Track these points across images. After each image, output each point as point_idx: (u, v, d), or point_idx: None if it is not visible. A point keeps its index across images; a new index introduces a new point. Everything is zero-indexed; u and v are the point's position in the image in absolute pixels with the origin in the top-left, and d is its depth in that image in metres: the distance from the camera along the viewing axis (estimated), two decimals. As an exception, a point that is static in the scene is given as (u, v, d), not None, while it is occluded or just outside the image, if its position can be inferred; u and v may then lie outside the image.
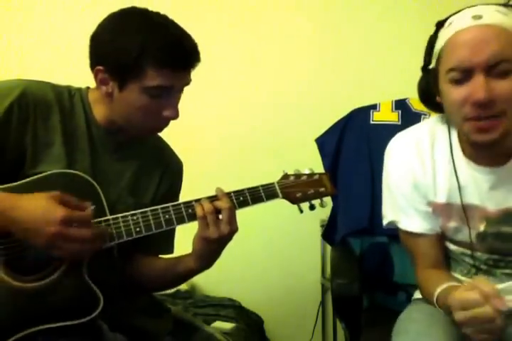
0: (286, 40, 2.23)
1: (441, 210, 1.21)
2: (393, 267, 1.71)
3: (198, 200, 1.16)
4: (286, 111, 2.24)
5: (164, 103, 1.15)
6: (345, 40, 2.20)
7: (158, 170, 1.30)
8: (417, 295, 1.34)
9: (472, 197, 1.17)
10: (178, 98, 1.19)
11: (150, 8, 1.17)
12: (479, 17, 1.02)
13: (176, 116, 1.17)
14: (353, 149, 1.81)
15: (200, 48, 1.17)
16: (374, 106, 1.84)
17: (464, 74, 1.02)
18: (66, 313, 1.08)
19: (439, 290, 1.13)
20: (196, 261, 1.20)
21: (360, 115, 1.85)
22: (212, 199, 1.16)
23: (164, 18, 1.15)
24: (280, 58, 2.23)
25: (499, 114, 1.02)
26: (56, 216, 1.01)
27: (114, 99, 1.15)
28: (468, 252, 1.22)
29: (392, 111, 1.81)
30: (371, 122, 1.83)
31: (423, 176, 1.20)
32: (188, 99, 2.21)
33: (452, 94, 1.04)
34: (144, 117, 1.16)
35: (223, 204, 1.15)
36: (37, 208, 1.02)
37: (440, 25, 1.10)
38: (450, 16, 1.10)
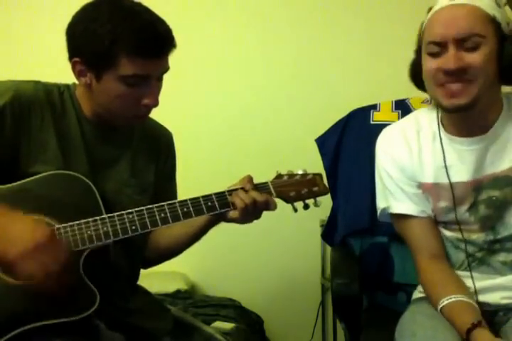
0: (286, 39, 2.23)
1: (430, 190, 1.26)
2: (393, 267, 1.71)
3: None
4: (286, 111, 2.24)
5: (142, 91, 1.14)
6: (346, 40, 2.20)
7: (153, 148, 1.32)
8: (417, 294, 1.34)
9: (459, 175, 1.23)
10: (158, 86, 1.18)
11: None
12: None
13: (155, 103, 1.17)
14: (353, 149, 1.81)
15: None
16: (374, 106, 1.84)
17: (439, 48, 1.14)
18: (62, 310, 1.08)
19: (445, 301, 1.16)
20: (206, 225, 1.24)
21: (360, 115, 1.85)
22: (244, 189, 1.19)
23: (137, 5, 1.15)
24: (280, 58, 2.23)
25: (469, 81, 1.13)
26: (45, 231, 1.02)
27: (93, 90, 1.16)
28: (460, 236, 1.24)
29: (392, 111, 1.81)
30: (371, 122, 1.83)
31: (409, 159, 1.27)
32: (188, 98, 2.23)
33: (428, 63, 1.17)
34: (123, 106, 1.16)
35: (258, 196, 1.18)
36: (26, 221, 1.03)
37: (429, 10, 1.22)
38: None
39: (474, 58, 1.12)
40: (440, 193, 1.25)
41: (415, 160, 1.27)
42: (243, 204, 1.16)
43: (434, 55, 1.15)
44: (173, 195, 1.37)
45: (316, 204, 1.27)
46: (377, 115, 1.82)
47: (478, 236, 1.23)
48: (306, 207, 1.26)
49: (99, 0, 1.15)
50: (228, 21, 2.24)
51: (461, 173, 1.22)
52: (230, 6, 2.23)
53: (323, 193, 1.27)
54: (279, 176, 1.26)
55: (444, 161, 1.23)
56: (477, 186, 1.22)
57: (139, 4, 1.15)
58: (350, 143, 1.84)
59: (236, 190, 1.19)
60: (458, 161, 1.23)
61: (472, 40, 1.11)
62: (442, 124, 1.26)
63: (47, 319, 1.07)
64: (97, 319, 1.15)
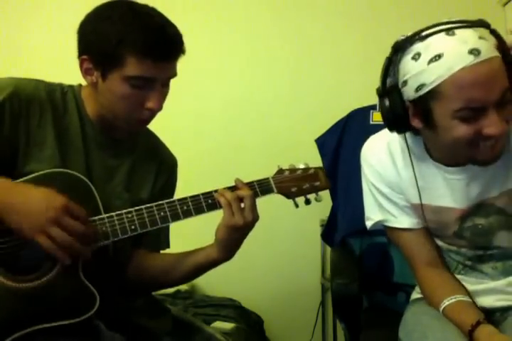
0: (286, 40, 2.23)
1: (418, 210, 1.22)
2: (393, 267, 1.71)
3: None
4: (286, 111, 2.24)
5: (146, 94, 1.13)
6: (346, 40, 2.21)
7: (153, 165, 1.30)
8: (415, 295, 1.34)
9: (445, 200, 1.18)
10: (163, 92, 1.17)
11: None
12: (478, 52, 0.98)
13: (158, 108, 1.15)
14: (353, 149, 1.79)
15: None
16: (374, 107, 1.84)
17: (476, 112, 1.01)
18: (62, 313, 1.07)
19: (446, 302, 1.16)
20: (220, 251, 1.19)
21: (360, 115, 1.85)
22: (231, 189, 1.17)
23: (150, 9, 1.15)
24: (280, 58, 2.24)
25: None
26: (57, 202, 1.02)
27: (99, 89, 1.15)
28: (454, 248, 1.23)
29: (392, 111, 1.81)
30: (371, 122, 1.83)
31: (397, 177, 1.22)
32: (189, 97, 2.23)
33: (461, 130, 1.03)
34: (127, 108, 1.15)
35: (244, 192, 1.16)
36: (37, 194, 1.03)
37: (399, 48, 1.10)
38: (412, 37, 1.08)
39: (510, 112, 1.02)
40: (426, 215, 1.21)
41: (403, 179, 1.22)
42: (227, 202, 1.15)
43: (468, 119, 1.02)
44: None
45: (317, 199, 1.25)
46: (377, 115, 1.82)
47: (466, 250, 1.23)
48: (307, 202, 1.24)
49: (113, 1, 1.15)
50: (229, 22, 2.24)
51: (448, 198, 1.18)
52: (231, 7, 2.24)
53: (325, 188, 1.25)
54: (280, 171, 1.24)
55: (417, 186, 1.18)
56: (463, 214, 1.19)
57: (153, 9, 1.15)
58: (350, 143, 1.84)
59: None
60: (445, 188, 1.18)
61: (507, 96, 1.01)
62: (428, 152, 1.19)
63: (47, 322, 1.06)
64: (97, 319, 1.15)
